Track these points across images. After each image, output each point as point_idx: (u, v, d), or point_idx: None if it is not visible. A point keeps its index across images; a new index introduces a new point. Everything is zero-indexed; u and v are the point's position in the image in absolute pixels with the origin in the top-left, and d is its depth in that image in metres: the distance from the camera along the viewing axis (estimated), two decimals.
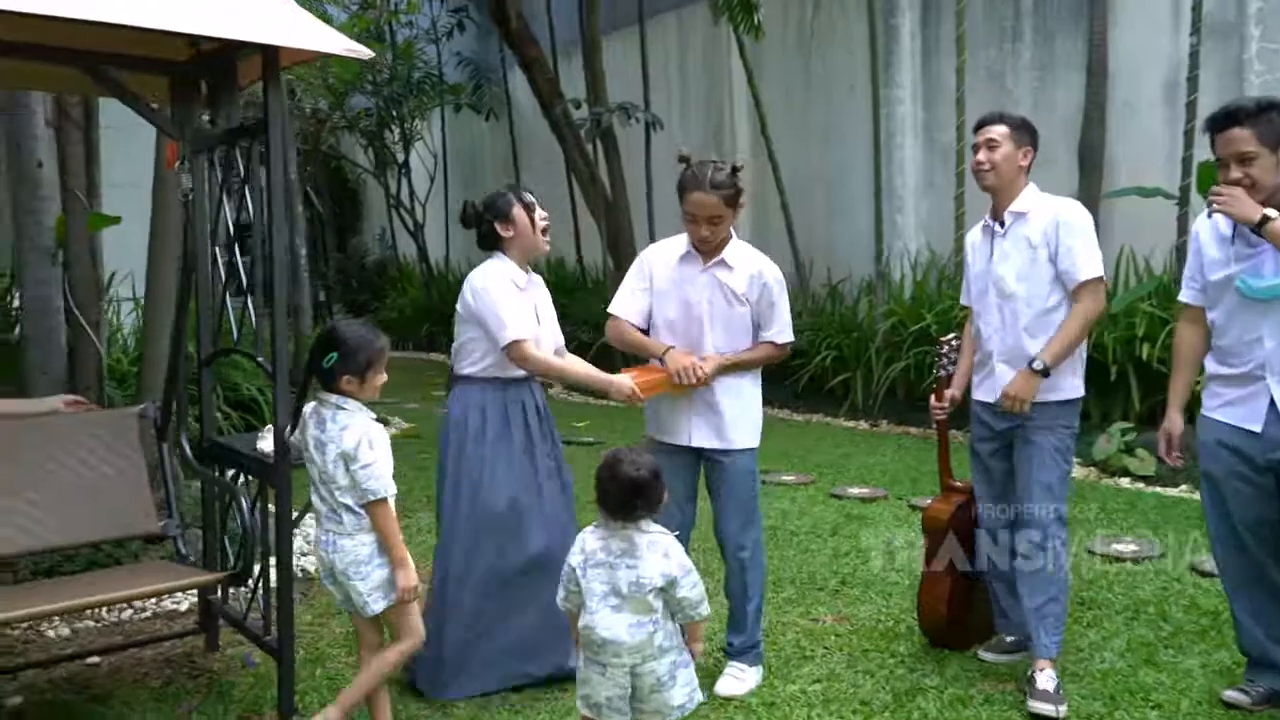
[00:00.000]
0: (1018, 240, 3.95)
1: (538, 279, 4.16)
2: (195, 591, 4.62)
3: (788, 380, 9.63)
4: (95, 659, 4.34)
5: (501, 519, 3.94)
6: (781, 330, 4.09)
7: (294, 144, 3.23)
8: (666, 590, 2.98)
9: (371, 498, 3.29)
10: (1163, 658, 4.15)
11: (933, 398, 4.29)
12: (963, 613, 4.26)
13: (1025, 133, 3.99)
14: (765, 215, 11.10)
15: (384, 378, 3.42)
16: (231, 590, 4.30)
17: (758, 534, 4.14)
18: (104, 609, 4.81)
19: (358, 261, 18.32)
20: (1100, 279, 3.87)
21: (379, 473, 3.28)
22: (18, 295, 5.87)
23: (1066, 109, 9.00)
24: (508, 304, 3.91)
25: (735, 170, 3.92)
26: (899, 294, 9.65)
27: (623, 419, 9.52)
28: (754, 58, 10.68)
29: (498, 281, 3.95)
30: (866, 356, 9.34)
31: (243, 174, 3.70)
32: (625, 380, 3.94)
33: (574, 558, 3.08)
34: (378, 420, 3.40)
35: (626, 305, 4.11)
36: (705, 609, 3.06)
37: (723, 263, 3.99)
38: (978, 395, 4.14)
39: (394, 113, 15.55)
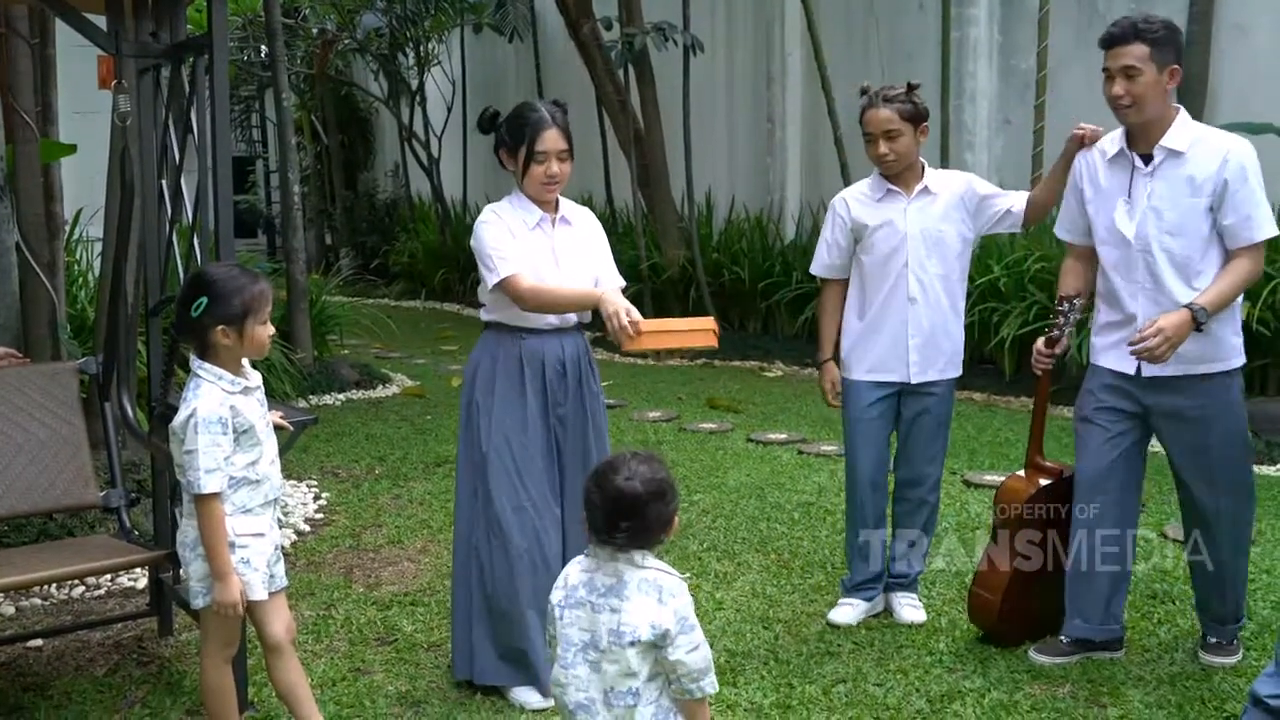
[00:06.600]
0: (1174, 183, 3.68)
1: (578, 216, 3.95)
2: (147, 570, 4.58)
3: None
4: (38, 642, 4.33)
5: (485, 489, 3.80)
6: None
7: (224, 59, 3.02)
8: (658, 648, 2.54)
9: (187, 489, 3.18)
10: (1245, 662, 4.01)
11: (1040, 342, 3.99)
12: (1020, 605, 4.12)
13: (1169, 48, 3.65)
14: (817, 151, 10.88)
15: (269, 330, 3.22)
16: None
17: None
18: (53, 585, 4.78)
19: (367, 200, 18.27)
20: (1262, 244, 3.68)
21: (197, 464, 3.09)
22: None
23: None
24: (499, 240, 3.74)
25: (911, 87, 4.20)
26: None
27: (650, 379, 9.40)
28: None
29: (493, 218, 3.80)
30: None
31: (185, 94, 3.61)
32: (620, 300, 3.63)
33: (556, 593, 2.69)
34: (241, 393, 3.19)
35: (832, 262, 4.43)
36: (710, 683, 2.59)
37: (925, 190, 4.28)
38: (1106, 361, 3.90)
39: (408, 33, 15.43)
